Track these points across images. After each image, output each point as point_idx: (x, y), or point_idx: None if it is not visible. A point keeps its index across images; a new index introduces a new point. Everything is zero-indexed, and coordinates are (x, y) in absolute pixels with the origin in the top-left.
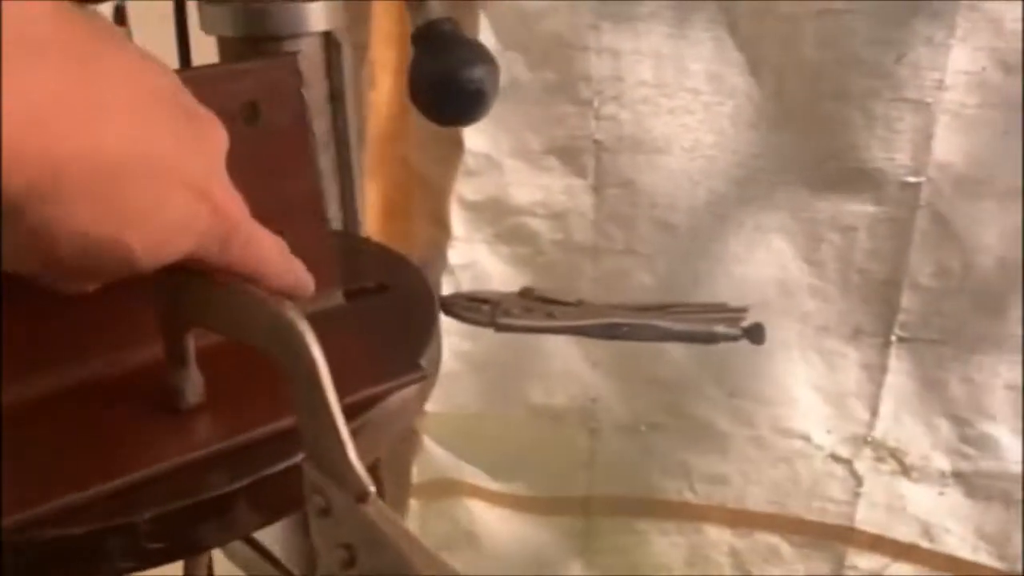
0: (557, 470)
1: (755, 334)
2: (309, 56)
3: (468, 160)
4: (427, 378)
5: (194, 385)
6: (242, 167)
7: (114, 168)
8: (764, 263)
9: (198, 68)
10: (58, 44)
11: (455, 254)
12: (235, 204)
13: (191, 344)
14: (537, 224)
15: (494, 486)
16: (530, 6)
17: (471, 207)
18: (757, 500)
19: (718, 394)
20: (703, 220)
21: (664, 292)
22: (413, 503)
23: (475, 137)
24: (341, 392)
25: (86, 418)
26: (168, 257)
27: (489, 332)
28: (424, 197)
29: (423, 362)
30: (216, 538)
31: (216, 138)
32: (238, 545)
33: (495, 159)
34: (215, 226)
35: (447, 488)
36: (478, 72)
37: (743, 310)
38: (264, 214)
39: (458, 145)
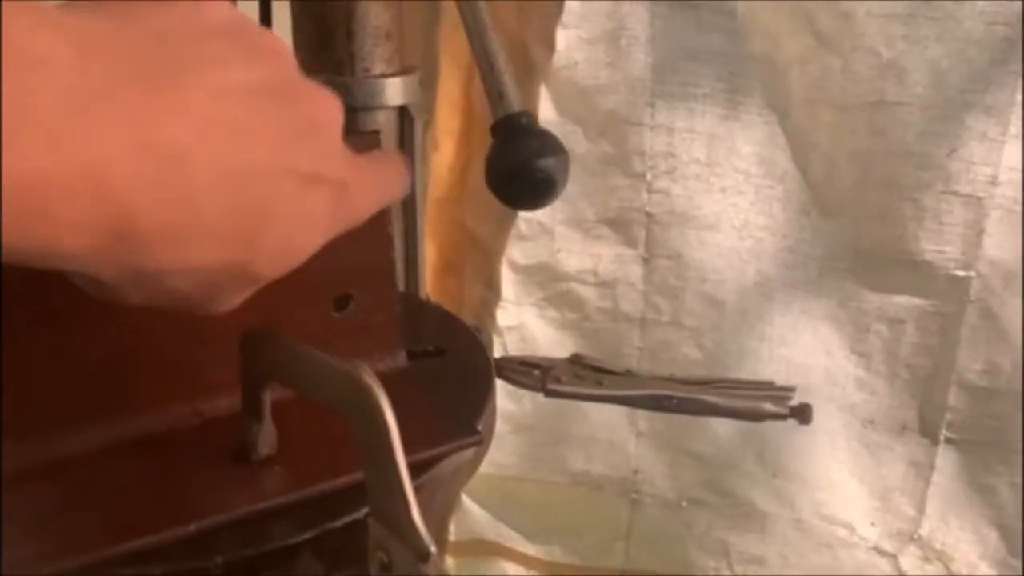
0: (594, 540)
1: (802, 414)
2: (384, 128)
3: (521, 225)
4: (483, 443)
5: (267, 437)
6: None
7: (214, 196)
8: (810, 349)
9: None
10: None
11: (504, 316)
12: (347, 169)
13: (267, 399)
14: (586, 291)
15: (530, 550)
16: (589, 82)
17: (521, 271)
18: None
19: (761, 473)
20: (751, 299)
21: (709, 367)
22: (449, 560)
23: None
24: None
25: (164, 464)
26: (301, 256)
27: (534, 395)
28: (477, 259)
29: (479, 427)
30: None
31: (322, 111)
32: None
33: (547, 226)
34: (337, 207)
35: (483, 548)
36: (549, 162)
37: (791, 389)
38: (340, 276)
39: (512, 211)
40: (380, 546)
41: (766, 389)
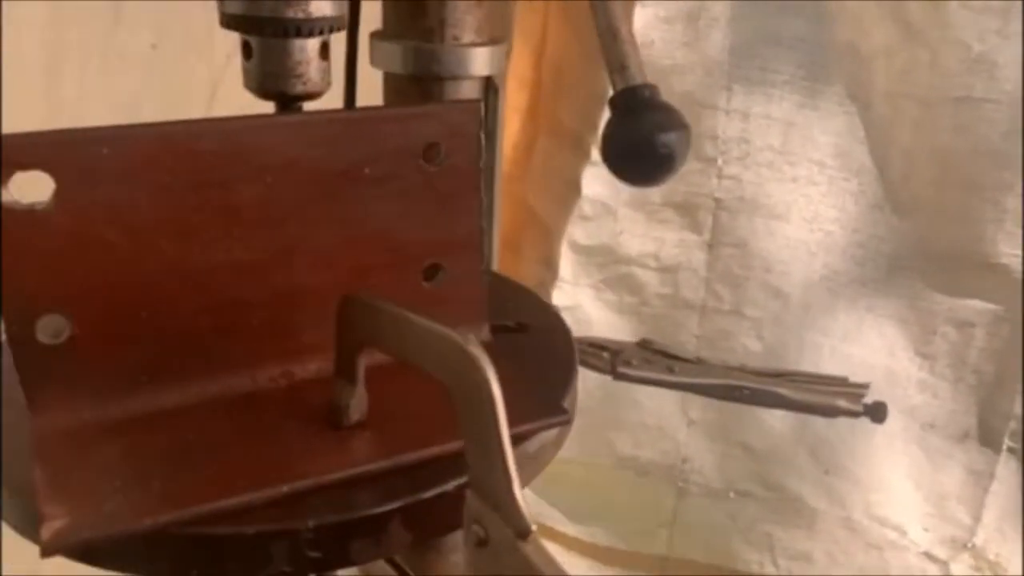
0: (637, 525)
1: (877, 412)
2: (469, 98)
3: (584, 205)
4: (569, 422)
5: (359, 403)
6: (417, 201)
7: None
8: (874, 347)
9: (387, 108)
10: None
11: (560, 295)
12: None
13: (362, 364)
14: (646, 275)
15: (571, 531)
16: (665, 62)
17: (581, 251)
18: None
19: (812, 469)
20: (816, 292)
21: (768, 358)
22: None
23: (594, 184)
24: None
25: (255, 425)
26: None
27: (584, 375)
28: (536, 237)
29: (565, 405)
30: (369, 553)
31: None
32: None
33: (611, 207)
34: None
35: None
36: (671, 137)
37: (864, 386)
38: (431, 246)
39: (576, 190)
40: (477, 520)
41: (839, 385)
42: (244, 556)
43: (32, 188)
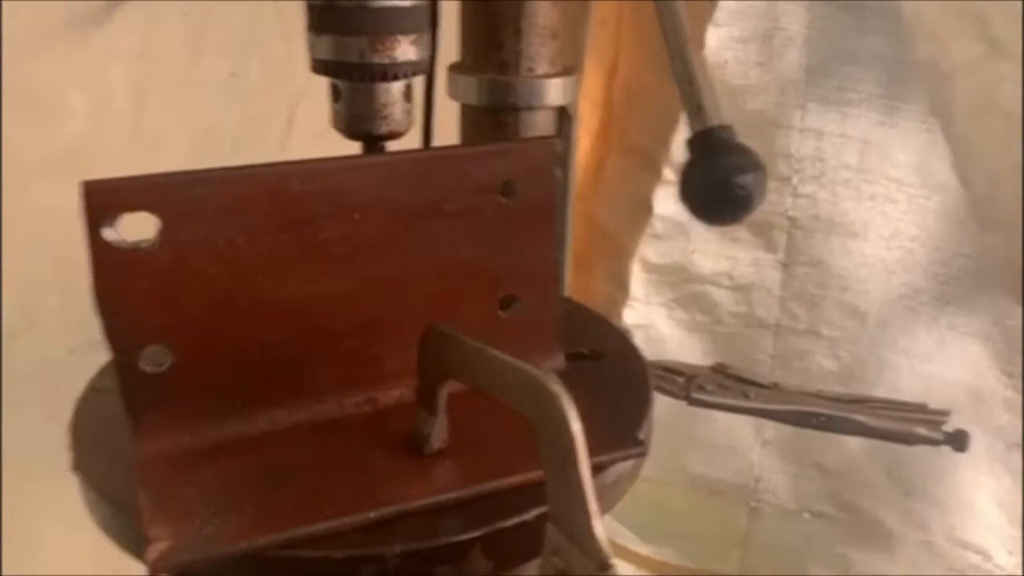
0: (709, 544)
1: (958, 441)
2: (543, 127)
3: (656, 224)
4: (644, 454)
5: (440, 431)
6: (494, 235)
7: None
8: (956, 366)
9: (466, 147)
10: None
11: (631, 314)
12: None
13: (444, 394)
14: (719, 294)
15: (643, 549)
16: (738, 82)
17: (653, 270)
18: None
19: (891, 491)
20: (895, 311)
21: (845, 379)
22: None
23: (666, 202)
24: None
25: (341, 450)
26: None
27: (656, 396)
28: (607, 256)
29: (641, 436)
30: None
31: None
32: None
33: (684, 226)
34: None
35: None
36: (748, 179)
37: (945, 413)
38: (507, 277)
39: (648, 209)
40: (555, 551)
41: (918, 411)
42: None
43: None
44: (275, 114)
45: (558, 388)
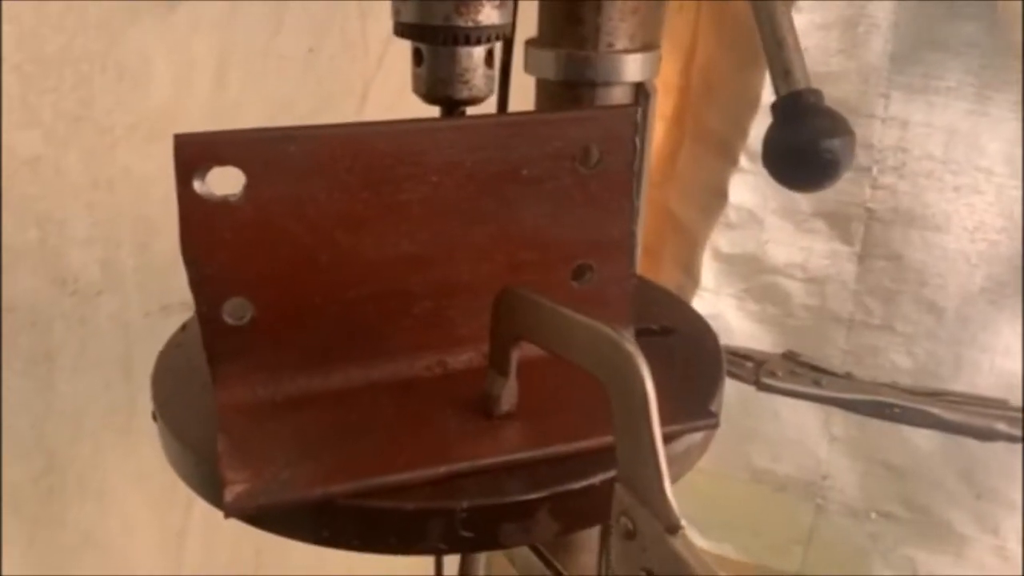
0: (771, 540)
1: None
2: (620, 103)
3: (730, 213)
4: (717, 426)
5: (510, 394)
6: (571, 202)
7: None
8: None
9: (546, 112)
10: None
11: (700, 304)
12: None
13: (515, 356)
14: (792, 286)
15: (701, 543)
16: (819, 69)
17: (724, 259)
18: None
19: (964, 493)
20: (976, 306)
21: (919, 376)
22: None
23: (741, 191)
24: None
25: (412, 409)
26: None
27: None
28: (678, 244)
29: (713, 408)
30: (516, 538)
31: None
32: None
33: (758, 215)
34: None
35: None
36: (835, 143)
37: None
38: (582, 246)
39: (722, 197)
40: (625, 513)
41: (998, 407)
42: (402, 530)
43: (219, 182)
44: (350, 91)
45: (632, 347)
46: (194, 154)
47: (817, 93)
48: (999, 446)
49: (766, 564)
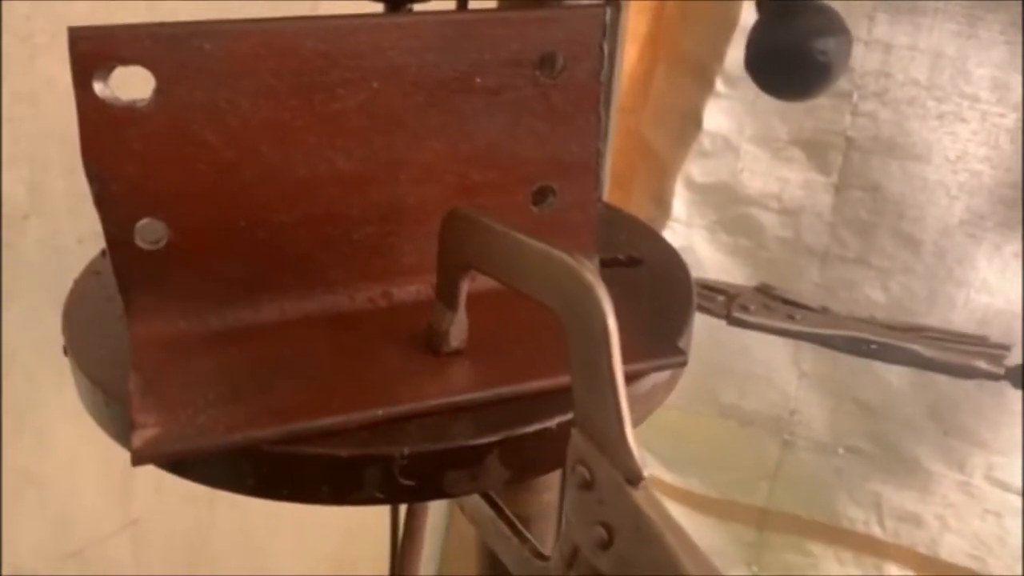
0: (737, 475)
1: (1018, 377)
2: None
3: (704, 140)
4: (685, 364)
5: (459, 329)
6: (531, 116)
7: None
8: (1016, 297)
9: (503, 11)
10: None
11: (670, 235)
12: None
13: (464, 288)
14: (766, 217)
15: (668, 478)
16: None
17: (697, 189)
18: (952, 550)
19: (931, 430)
20: (953, 239)
21: (893, 310)
22: None
23: (717, 117)
24: None
25: (351, 345)
26: None
27: None
28: (649, 173)
29: (681, 345)
30: (463, 487)
31: None
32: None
33: (733, 143)
34: None
35: None
36: (829, 43)
37: (1006, 348)
38: (542, 166)
39: (696, 124)
40: (581, 461)
41: (977, 344)
42: (335, 479)
43: (126, 85)
44: None
45: (592, 276)
46: (92, 50)
47: None
48: (969, 384)
49: (732, 498)
